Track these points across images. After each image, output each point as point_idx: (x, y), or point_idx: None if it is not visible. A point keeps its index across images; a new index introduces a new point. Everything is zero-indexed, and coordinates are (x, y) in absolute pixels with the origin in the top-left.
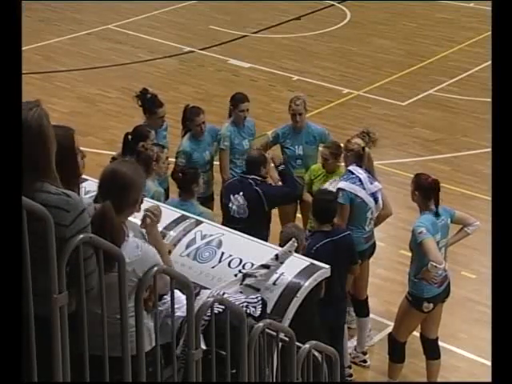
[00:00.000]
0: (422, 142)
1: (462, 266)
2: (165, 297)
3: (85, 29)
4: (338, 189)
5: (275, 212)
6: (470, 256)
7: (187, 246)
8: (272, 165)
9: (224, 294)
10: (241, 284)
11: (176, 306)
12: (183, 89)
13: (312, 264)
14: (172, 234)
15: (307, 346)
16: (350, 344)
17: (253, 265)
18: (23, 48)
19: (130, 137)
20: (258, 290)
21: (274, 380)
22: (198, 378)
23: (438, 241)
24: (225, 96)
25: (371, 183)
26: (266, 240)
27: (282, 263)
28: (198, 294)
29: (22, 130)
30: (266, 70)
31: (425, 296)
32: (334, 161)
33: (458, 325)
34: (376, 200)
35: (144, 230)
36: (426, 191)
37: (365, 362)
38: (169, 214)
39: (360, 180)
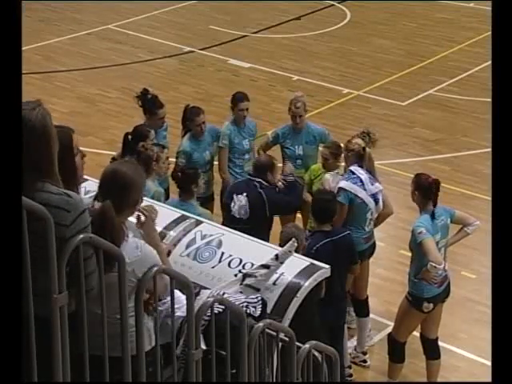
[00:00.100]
0: (421, 142)
1: (462, 265)
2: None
3: (85, 29)
4: (339, 188)
5: (276, 219)
6: (470, 256)
7: (187, 246)
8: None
9: (224, 294)
10: (241, 284)
11: (176, 306)
12: (183, 89)
13: (312, 264)
14: (172, 234)
15: (307, 346)
16: (350, 344)
17: (253, 265)
18: (23, 48)
19: (129, 137)
20: (258, 289)
21: (274, 380)
22: (198, 378)
23: (437, 241)
24: (225, 96)
25: (372, 184)
26: None
27: (282, 263)
28: (198, 293)
29: (26, 130)
30: (265, 69)
31: (425, 296)
32: (334, 161)
33: (458, 325)
34: (376, 201)
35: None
36: (426, 191)
37: (365, 361)
38: (169, 214)
39: (361, 180)
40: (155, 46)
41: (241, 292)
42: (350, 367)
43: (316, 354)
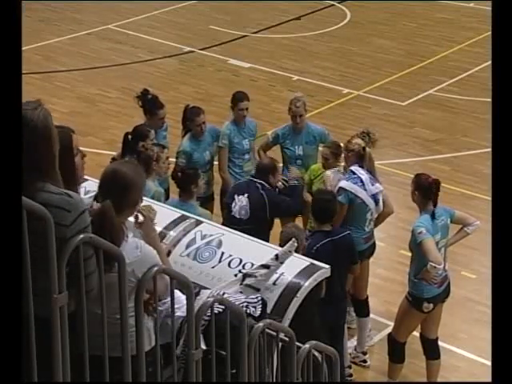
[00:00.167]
0: (421, 142)
1: (462, 265)
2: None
3: (85, 29)
4: (339, 188)
5: (276, 220)
6: (470, 256)
7: (187, 246)
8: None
9: (224, 294)
10: (241, 284)
11: (176, 306)
12: (183, 89)
13: (312, 264)
14: (172, 234)
15: (307, 346)
16: (350, 344)
17: (253, 265)
18: (23, 48)
19: (129, 136)
20: (258, 290)
21: (274, 380)
22: (198, 378)
23: (437, 241)
24: (225, 96)
25: (372, 184)
26: None
27: (282, 263)
28: (197, 293)
29: (28, 130)
30: (265, 69)
31: (425, 296)
32: (334, 160)
33: (458, 325)
34: (376, 202)
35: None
36: (426, 191)
37: (365, 361)
38: (169, 214)
39: (361, 181)
40: (155, 46)
41: (241, 292)
42: (350, 367)
43: (316, 354)
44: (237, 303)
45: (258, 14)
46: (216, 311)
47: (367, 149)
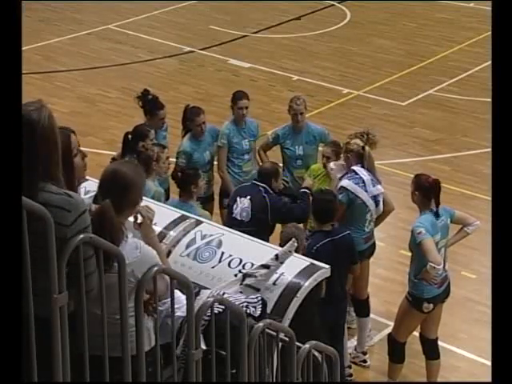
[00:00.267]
0: (421, 142)
1: (462, 265)
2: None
3: (85, 29)
4: (341, 187)
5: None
6: (470, 256)
7: (187, 246)
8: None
9: (224, 294)
10: (241, 284)
11: (176, 306)
12: (183, 89)
13: (312, 264)
14: (172, 234)
15: (307, 346)
16: (350, 344)
17: (253, 265)
18: (23, 48)
19: (129, 136)
20: (258, 290)
21: (274, 380)
22: (198, 378)
23: (437, 241)
24: (225, 96)
25: (374, 186)
26: None
27: (282, 263)
28: (197, 293)
29: (35, 131)
30: (265, 69)
31: (425, 296)
32: (335, 159)
33: (458, 325)
34: (377, 203)
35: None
36: (426, 191)
37: (365, 361)
38: (169, 214)
39: (363, 181)
40: (155, 46)
41: (241, 292)
42: (350, 367)
43: (316, 354)
44: (237, 303)
45: (258, 14)
46: (216, 311)
47: (366, 147)
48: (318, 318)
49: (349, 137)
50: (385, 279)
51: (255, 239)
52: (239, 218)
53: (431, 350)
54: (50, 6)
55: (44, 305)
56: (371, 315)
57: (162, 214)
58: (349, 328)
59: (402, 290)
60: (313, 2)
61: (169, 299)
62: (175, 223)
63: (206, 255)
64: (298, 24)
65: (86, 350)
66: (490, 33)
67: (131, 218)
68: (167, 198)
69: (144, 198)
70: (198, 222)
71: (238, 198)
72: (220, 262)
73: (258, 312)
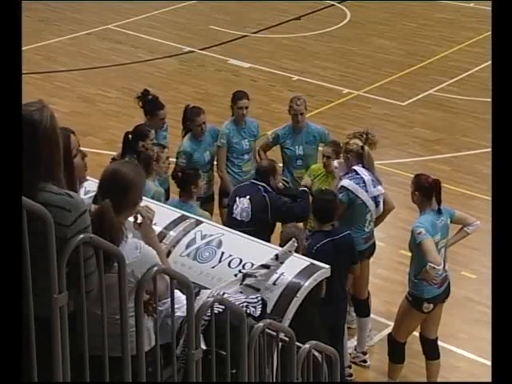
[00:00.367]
0: (421, 142)
1: (462, 265)
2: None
3: (85, 29)
4: (341, 186)
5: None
6: (470, 256)
7: (187, 246)
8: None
9: (224, 294)
10: (241, 284)
11: (176, 306)
12: (183, 89)
13: (312, 264)
14: (172, 234)
15: (307, 346)
16: (350, 344)
17: (253, 265)
18: (23, 48)
19: (130, 136)
20: (258, 290)
21: (274, 380)
22: (198, 378)
23: (437, 241)
24: (225, 96)
25: (374, 186)
26: None
27: (282, 263)
28: (197, 293)
29: (37, 131)
30: (265, 69)
31: (425, 296)
32: (336, 159)
33: (458, 325)
34: (377, 204)
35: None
36: (426, 192)
37: (365, 361)
38: (169, 214)
39: (364, 181)
40: (155, 46)
41: (241, 292)
42: (350, 367)
43: (316, 354)
44: (237, 303)
45: (258, 14)
46: (216, 311)
47: (365, 147)
48: (318, 318)
49: (348, 137)
50: (385, 279)
51: (255, 239)
52: (239, 219)
53: (431, 350)
54: (50, 5)
55: (44, 305)
56: (371, 315)
57: (162, 214)
58: (349, 328)
59: (402, 289)
60: (313, 1)
61: (169, 299)
62: (175, 223)
63: (206, 255)
64: (298, 24)
65: (86, 350)
66: (490, 33)
67: (131, 218)
68: (167, 198)
69: (144, 198)
70: (198, 222)
71: (237, 198)
72: (220, 262)
73: (258, 312)
